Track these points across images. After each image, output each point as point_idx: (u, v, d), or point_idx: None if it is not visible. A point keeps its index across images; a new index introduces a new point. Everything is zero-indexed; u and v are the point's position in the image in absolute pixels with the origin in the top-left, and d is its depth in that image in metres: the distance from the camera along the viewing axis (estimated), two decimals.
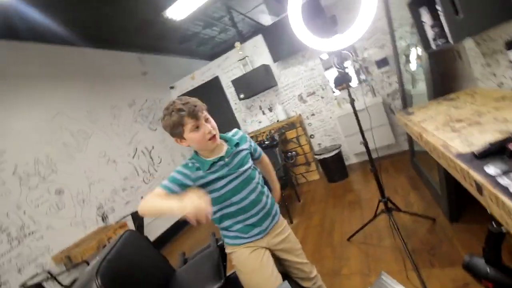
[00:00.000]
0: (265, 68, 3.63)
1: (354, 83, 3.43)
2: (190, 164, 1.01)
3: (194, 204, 0.79)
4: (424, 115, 1.33)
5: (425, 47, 1.58)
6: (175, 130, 0.97)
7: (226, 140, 1.10)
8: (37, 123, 2.73)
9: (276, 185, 1.36)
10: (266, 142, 3.54)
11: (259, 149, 1.24)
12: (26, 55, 2.82)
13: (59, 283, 2.24)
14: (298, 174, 3.81)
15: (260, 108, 4.11)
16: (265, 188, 1.15)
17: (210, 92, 4.36)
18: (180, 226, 3.74)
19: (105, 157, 3.27)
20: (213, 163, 1.01)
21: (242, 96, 3.82)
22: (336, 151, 3.21)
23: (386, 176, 2.86)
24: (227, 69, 4.15)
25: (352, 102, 1.78)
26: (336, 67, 1.93)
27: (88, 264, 2.24)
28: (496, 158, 0.66)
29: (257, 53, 3.88)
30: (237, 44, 3.85)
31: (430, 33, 1.45)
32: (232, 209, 1.03)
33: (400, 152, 3.38)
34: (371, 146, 1.86)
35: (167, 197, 0.93)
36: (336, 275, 1.74)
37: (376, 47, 3.24)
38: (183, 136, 0.98)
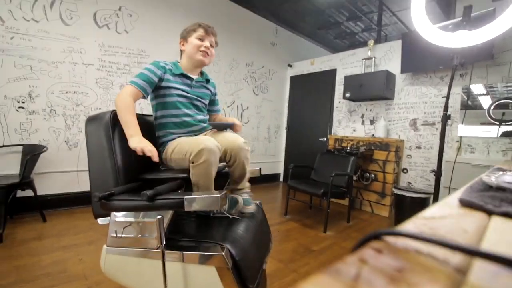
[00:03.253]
0: (388, 75, 3.20)
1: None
2: (162, 64, 1.11)
3: (141, 145, 0.90)
4: None
5: None
6: (186, 32, 1.19)
7: (202, 74, 1.28)
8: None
9: (232, 119, 1.30)
10: (347, 149, 3.22)
11: (219, 106, 1.40)
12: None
13: None
14: (365, 199, 3.32)
15: (362, 116, 3.72)
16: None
17: (321, 83, 4.25)
18: None
19: None
20: (184, 75, 1.16)
21: (348, 95, 3.53)
22: (422, 195, 2.58)
23: None
24: (348, 66, 3.90)
25: None
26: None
27: None
28: None
29: (387, 58, 3.46)
30: (371, 42, 3.54)
31: None
32: (178, 120, 1.13)
33: None
34: None
35: (133, 112, 0.97)
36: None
37: None
38: (187, 38, 1.18)
